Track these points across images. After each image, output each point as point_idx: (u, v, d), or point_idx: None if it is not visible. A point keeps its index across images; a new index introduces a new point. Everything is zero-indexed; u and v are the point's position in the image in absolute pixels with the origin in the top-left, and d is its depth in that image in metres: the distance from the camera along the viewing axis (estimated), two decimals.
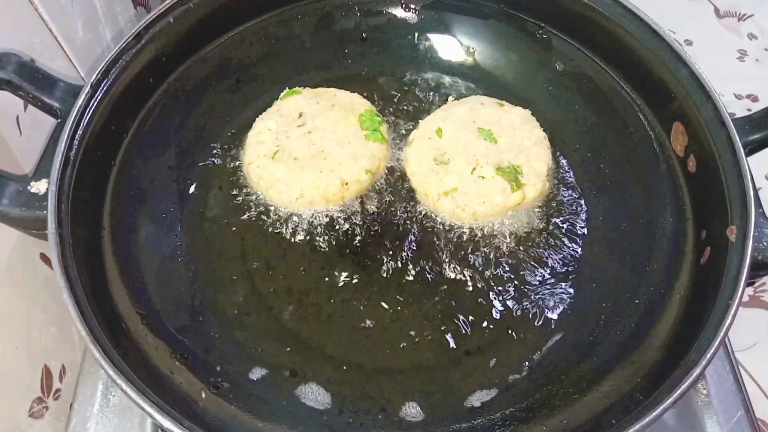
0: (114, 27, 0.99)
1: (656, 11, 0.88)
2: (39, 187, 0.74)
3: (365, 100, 0.99)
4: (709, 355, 0.65)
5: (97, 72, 0.80)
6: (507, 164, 0.90)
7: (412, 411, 0.76)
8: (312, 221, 0.89)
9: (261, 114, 0.97)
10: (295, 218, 0.90)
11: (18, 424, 0.80)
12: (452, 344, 0.80)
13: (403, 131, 0.98)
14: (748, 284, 0.71)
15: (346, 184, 0.89)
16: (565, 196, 0.93)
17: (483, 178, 0.89)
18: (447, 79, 1.05)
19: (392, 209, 0.91)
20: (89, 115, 0.78)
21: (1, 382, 0.77)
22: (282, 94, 0.99)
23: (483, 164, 0.90)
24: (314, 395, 0.77)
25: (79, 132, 0.77)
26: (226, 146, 0.96)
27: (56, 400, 0.87)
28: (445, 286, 0.85)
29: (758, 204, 0.73)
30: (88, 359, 0.89)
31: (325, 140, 0.92)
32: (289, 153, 0.91)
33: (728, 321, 0.66)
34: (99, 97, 0.80)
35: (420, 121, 0.98)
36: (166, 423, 0.62)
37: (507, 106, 0.97)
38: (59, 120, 0.79)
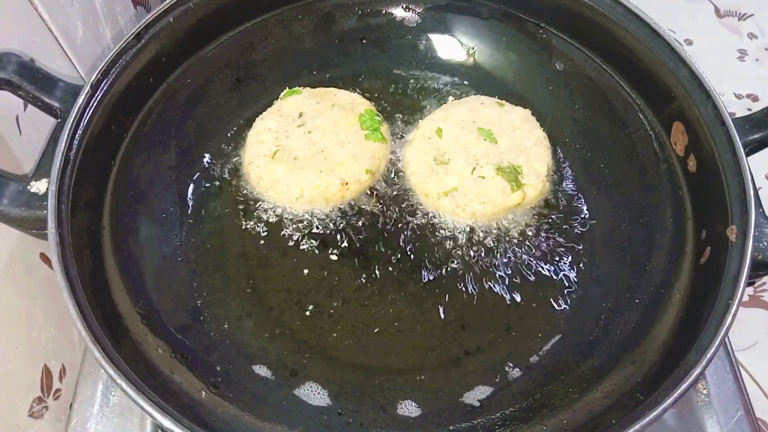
0: (114, 27, 0.99)
1: (656, 11, 0.88)
2: (39, 186, 0.73)
3: (365, 100, 0.99)
4: (709, 355, 0.65)
5: (98, 72, 0.80)
6: (507, 164, 0.90)
7: (411, 410, 0.76)
8: (312, 221, 0.89)
9: (261, 114, 0.97)
10: (295, 218, 0.90)
11: (18, 424, 0.80)
12: (452, 344, 0.80)
13: (404, 131, 0.98)
14: (748, 284, 0.71)
15: (346, 184, 0.89)
16: (565, 196, 0.93)
17: (483, 178, 0.89)
18: (447, 79, 1.05)
19: (392, 209, 0.91)
20: (89, 114, 0.78)
21: (1, 382, 0.77)
22: (282, 94, 0.99)
23: (483, 164, 0.90)
24: (314, 395, 0.77)
25: (79, 132, 0.77)
26: (226, 146, 0.96)
27: (56, 400, 0.87)
28: (445, 286, 0.85)
29: (758, 204, 0.73)
30: (88, 359, 0.89)
31: (325, 140, 0.92)
32: (289, 153, 0.91)
33: (728, 321, 0.66)
34: (99, 97, 0.80)
35: (420, 121, 0.98)
36: (166, 423, 0.62)
37: (507, 106, 0.97)
38: (59, 120, 0.79)
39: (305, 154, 0.91)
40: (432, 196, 0.90)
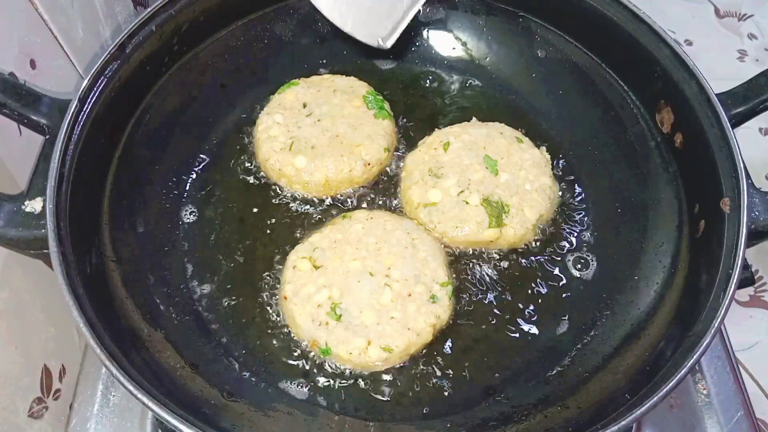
0: (114, 26, 0.99)
1: (656, 12, 0.88)
2: (34, 206, 0.71)
3: (363, 82, 0.98)
4: (716, 324, 0.65)
5: (83, 86, 0.77)
6: (497, 199, 0.86)
7: (423, 402, 0.77)
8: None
9: (259, 111, 0.96)
10: (300, 219, 0.89)
11: (18, 424, 0.80)
12: (452, 344, 0.81)
13: (401, 128, 0.98)
14: (748, 285, 0.71)
15: (369, 164, 0.89)
16: (559, 179, 0.93)
17: (466, 203, 0.86)
18: (443, 75, 1.04)
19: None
20: (79, 129, 0.76)
21: (1, 382, 0.77)
22: (280, 89, 0.97)
23: (473, 190, 0.87)
24: (327, 398, 0.76)
25: (71, 147, 0.74)
26: (224, 145, 0.95)
27: (56, 400, 0.87)
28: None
29: (747, 175, 0.74)
30: (88, 359, 0.89)
31: (337, 125, 0.92)
32: (305, 143, 0.90)
33: (731, 290, 0.67)
34: (87, 111, 0.77)
35: (436, 129, 0.95)
36: (183, 428, 0.61)
37: (525, 144, 0.93)
38: (47, 137, 0.76)
39: (321, 141, 0.90)
40: (411, 204, 0.88)
